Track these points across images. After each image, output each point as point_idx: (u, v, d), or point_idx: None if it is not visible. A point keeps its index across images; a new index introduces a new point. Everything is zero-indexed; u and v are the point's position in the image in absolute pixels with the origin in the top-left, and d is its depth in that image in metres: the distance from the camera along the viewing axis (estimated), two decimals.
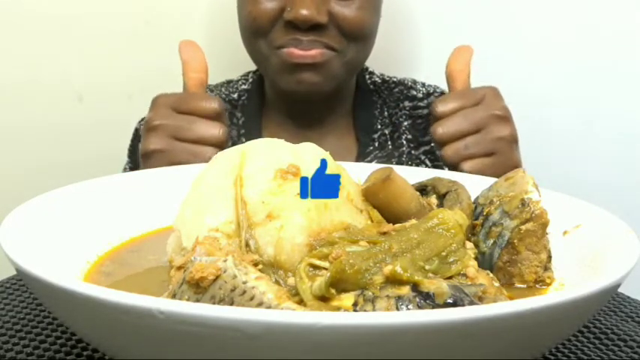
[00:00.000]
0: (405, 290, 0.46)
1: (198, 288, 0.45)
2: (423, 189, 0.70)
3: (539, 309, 0.36)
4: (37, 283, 0.42)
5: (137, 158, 1.24)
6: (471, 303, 0.45)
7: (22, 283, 0.68)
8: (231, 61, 1.48)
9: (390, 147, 1.26)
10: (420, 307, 0.45)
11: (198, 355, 0.36)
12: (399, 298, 0.45)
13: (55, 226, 0.61)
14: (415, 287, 0.46)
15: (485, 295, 0.47)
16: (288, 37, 1.11)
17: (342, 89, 1.24)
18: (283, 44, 1.12)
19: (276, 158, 0.60)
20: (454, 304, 0.44)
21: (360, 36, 1.15)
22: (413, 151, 1.27)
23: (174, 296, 0.47)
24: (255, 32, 1.15)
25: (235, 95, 1.31)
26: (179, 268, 0.53)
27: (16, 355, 0.55)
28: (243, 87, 1.32)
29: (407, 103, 1.30)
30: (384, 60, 1.41)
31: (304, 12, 1.07)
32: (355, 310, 0.45)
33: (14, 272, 0.68)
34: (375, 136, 1.27)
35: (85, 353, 0.55)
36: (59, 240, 0.60)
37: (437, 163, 1.25)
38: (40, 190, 0.64)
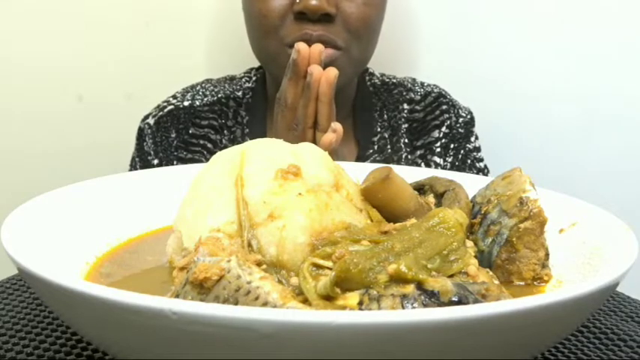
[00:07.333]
0: (410, 289, 0.46)
1: (202, 288, 0.45)
2: (420, 188, 0.70)
3: (547, 305, 0.37)
4: (43, 284, 0.42)
5: (144, 156, 1.24)
6: (476, 301, 0.45)
7: (22, 283, 0.68)
8: (231, 61, 1.48)
9: (389, 150, 1.26)
10: (425, 306, 0.45)
11: (209, 355, 0.36)
12: (404, 296, 0.46)
13: (55, 226, 0.61)
14: (420, 286, 0.46)
15: (488, 293, 0.47)
16: (298, 32, 1.13)
17: (344, 91, 1.24)
18: (293, 41, 1.13)
19: (276, 158, 0.60)
20: (459, 302, 0.45)
21: (363, 32, 1.17)
22: (409, 156, 1.27)
23: (177, 297, 0.47)
24: (266, 30, 1.17)
25: (240, 93, 1.31)
26: (182, 268, 0.53)
27: (16, 355, 0.54)
28: (247, 85, 1.32)
29: (405, 106, 1.31)
30: (385, 58, 1.42)
31: (314, 2, 1.11)
32: (361, 309, 0.46)
33: (14, 272, 0.67)
34: (375, 139, 1.27)
35: (85, 353, 0.55)
36: (59, 240, 0.60)
37: (430, 168, 1.26)
38: (39, 190, 0.64)
